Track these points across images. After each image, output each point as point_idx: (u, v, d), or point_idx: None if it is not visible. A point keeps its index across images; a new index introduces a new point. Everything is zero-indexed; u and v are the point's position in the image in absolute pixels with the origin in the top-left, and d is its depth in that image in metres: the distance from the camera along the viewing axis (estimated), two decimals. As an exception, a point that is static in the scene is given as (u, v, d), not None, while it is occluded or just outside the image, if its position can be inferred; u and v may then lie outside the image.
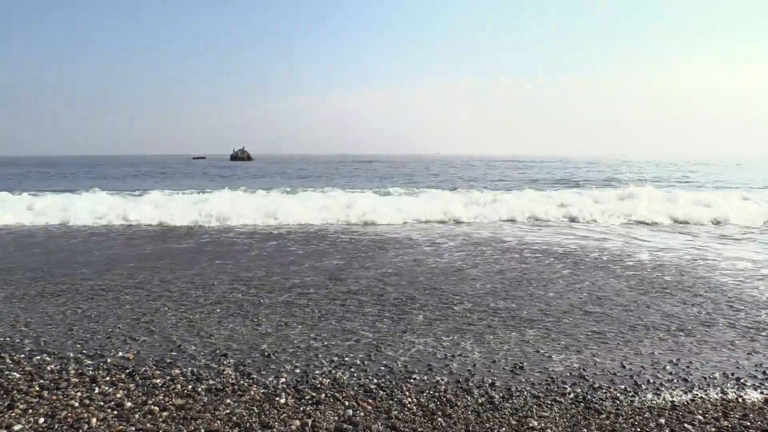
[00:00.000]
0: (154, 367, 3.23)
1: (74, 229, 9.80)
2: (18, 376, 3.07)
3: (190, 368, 3.21)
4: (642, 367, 3.27)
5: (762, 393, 2.94)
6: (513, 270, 6.09)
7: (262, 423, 2.55)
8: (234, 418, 2.58)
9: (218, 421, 2.55)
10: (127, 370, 3.17)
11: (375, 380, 3.06)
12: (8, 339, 3.74)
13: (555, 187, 20.36)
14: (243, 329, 3.97)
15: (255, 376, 3.10)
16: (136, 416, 2.59)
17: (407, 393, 2.90)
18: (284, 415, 2.64)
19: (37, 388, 2.89)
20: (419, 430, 2.51)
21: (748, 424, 2.60)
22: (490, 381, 3.06)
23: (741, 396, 2.90)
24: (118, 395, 2.82)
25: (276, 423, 2.55)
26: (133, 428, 2.48)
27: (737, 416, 2.67)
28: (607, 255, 7.05)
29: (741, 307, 4.54)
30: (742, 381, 3.08)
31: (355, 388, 2.96)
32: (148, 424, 2.51)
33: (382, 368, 3.24)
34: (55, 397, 2.78)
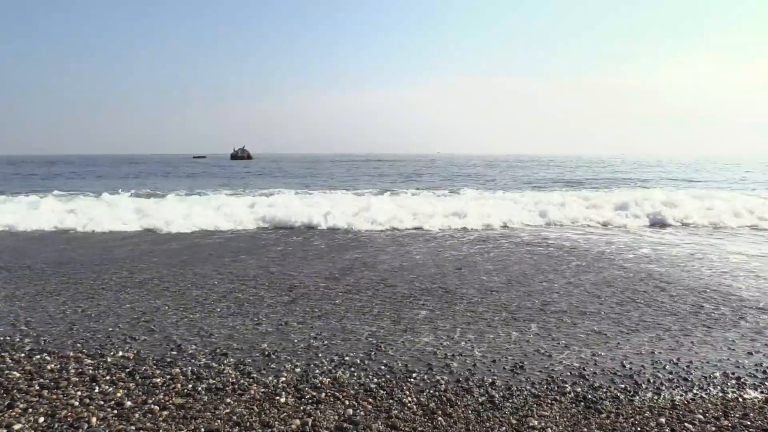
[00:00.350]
0: (155, 367, 3.23)
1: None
2: (18, 375, 3.07)
3: (190, 367, 3.21)
4: (642, 366, 3.28)
5: (762, 392, 2.94)
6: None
7: (262, 422, 2.55)
8: (234, 418, 2.58)
9: (218, 421, 2.55)
10: (127, 370, 3.17)
11: (375, 379, 3.07)
12: (8, 338, 3.74)
13: (610, 188, 19.48)
14: (243, 328, 3.97)
15: (255, 375, 3.10)
16: (136, 415, 2.59)
17: (407, 392, 2.90)
18: (284, 414, 2.64)
19: (37, 388, 2.89)
20: (419, 429, 2.51)
21: (749, 423, 2.60)
22: (490, 380, 3.06)
23: (741, 395, 2.90)
24: (119, 394, 2.82)
25: (276, 422, 2.55)
26: (133, 427, 2.48)
27: (737, 415, 2.67)
28: None
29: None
30: (742, 380, 3.09)
31: (356, 387, 2.96)
32: (148, 424, 2.51)
33: (383, 367, 3.24)
34: (55, 397, 2.78)
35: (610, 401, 2.82)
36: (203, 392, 2.87)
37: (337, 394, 2.87)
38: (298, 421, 2.56)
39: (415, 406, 2.73)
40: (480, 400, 2.82)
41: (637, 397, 2.87)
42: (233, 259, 6.82)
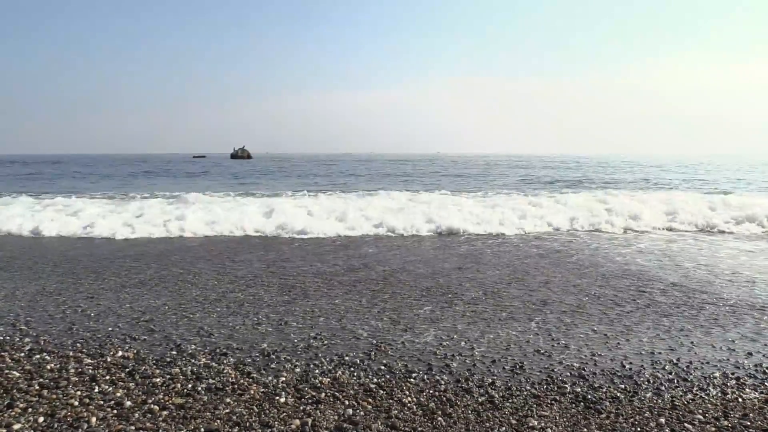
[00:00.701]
0: (154, 366, 3.23)
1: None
2: (18, 374, 3.07)
3: (189, 367, 3.21)
4: (642, 366, 3.28)
5: (762, 393, 2.94)
6: None
7: (261, 422, 2.55)
8: (234, 417, 2.58)
9: (218, 421, 2.55)
10: (127, 369, 3.17)
11: (375, 379, 3.06)
12: (8, 338, 3.74)
13: (648, 190, 18.53)
14: (243, 328, 3.97)
15: (255, 375, 3.10)
16: (136, 415, 2.59)
17: (407, 392, 2.90)
18: (284, 414, 2.64)
19: (37, 387, 2.89)
20: (419, 429, 2.51)
21: (749, 423, 2.60)
22: (490, 380, 3.06)
23: (741, 395, 2.90)
24: (118, 394, 2.82)
25: (276, 422, 2.55)
26: (133, 427, 2.48)
27: (737, 416, 2.67)
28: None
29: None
30: (742, 381, 3.08)
31: (356, 387, 2.96)
32: (148, 424, 2.51)
33: (382, 367, 3.24)
34: (54, 396, 2.78)
35: (609, 401, 2.82)
36: (203, 392, 2.87)
37: (336, 394, 2.87)
38: (297, 421, 2.55)
39: (414, 407, 2.73)
40: (480, 400, 2.82)
41: (637, 398, 2.86)
42: (232, 259, 6.83)
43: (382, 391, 2.90)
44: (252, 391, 2.88)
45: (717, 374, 3.16)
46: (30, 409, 2.63)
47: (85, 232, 9.07)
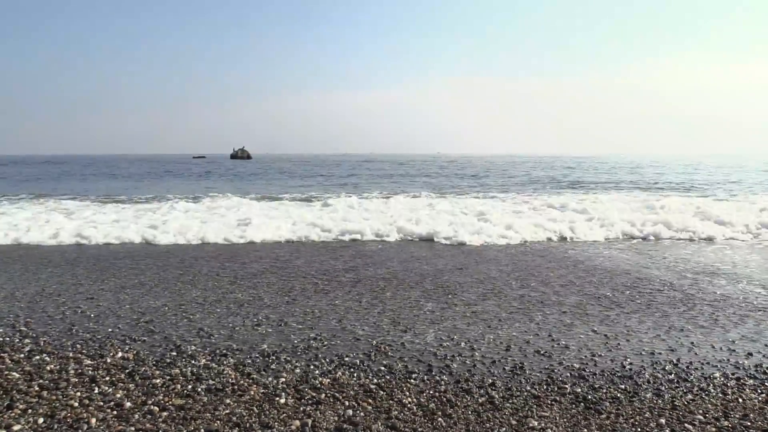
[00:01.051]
0: (154, 367, 3.22)
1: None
2: (17, 376, 3.06)
3: (189, 368, 3.21)
4: (642, 366, 3.27)
5: (762, 393, 2.94)
6: None
7: (261, 423, 2.54)
8: (234, 418, 2.58)
9: (218, 422, 2.55)
10: (127, 370, 3.16)
11: (375, 380, 3.06)
12: (8, 338, 3.74)
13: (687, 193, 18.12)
14: (243, 329, 3.97)
15: (255, 376, 3.10)
16: (136, 416, 2.59)
17: (407, 393, 2.90)
18: (284, 415, 2.63)
19: (37, 388, 2.88)
20: (419, 430, 2.51)
21: (749, 424, 2.59)
22: (490, 381, 3.06)
23: (741, 395, 2.90)
24: (118, 395, 2.82)
25: (276, 423, 2.55)
26: (133, 428, 2.47)
27: (737, 416, 2.67)
28: None
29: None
30: (742, 381, 3.08)
31: (356, 388, 2.96)
32: (148, 425, 2.51)
33: (382, 368, 3.24)
34: (54, 397, 2.78)
35: (610, 402, 2.81)
36: (203, 393, 2.87)
37: (336, 394, 2.86)
38: (297, 422, 2.55)
39: (415, 407, 2.73)
40: (480, 400, 2.82)
41: (637, 398, 2.86)
42: (232, 260, 6.82)
43: (382, 392, 2.90)
44: (252, 392, 2.88)
45: (717, 374, 3.16)
46: (30, 410, 2.63)
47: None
